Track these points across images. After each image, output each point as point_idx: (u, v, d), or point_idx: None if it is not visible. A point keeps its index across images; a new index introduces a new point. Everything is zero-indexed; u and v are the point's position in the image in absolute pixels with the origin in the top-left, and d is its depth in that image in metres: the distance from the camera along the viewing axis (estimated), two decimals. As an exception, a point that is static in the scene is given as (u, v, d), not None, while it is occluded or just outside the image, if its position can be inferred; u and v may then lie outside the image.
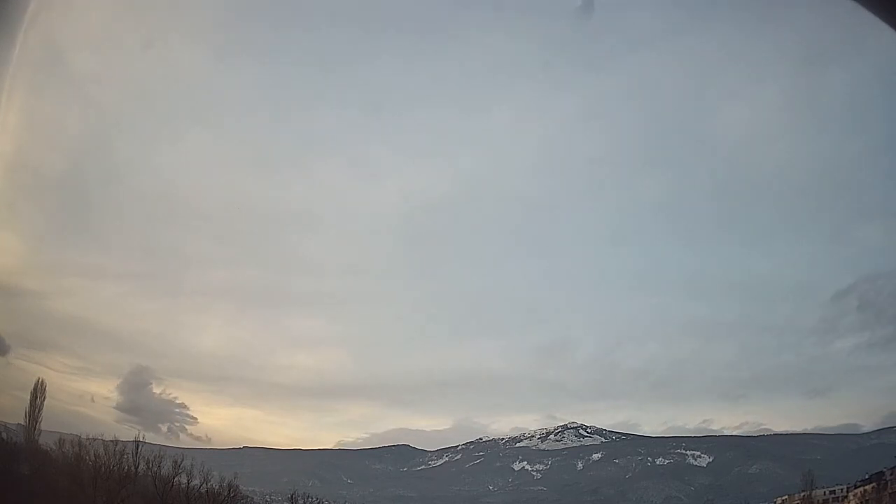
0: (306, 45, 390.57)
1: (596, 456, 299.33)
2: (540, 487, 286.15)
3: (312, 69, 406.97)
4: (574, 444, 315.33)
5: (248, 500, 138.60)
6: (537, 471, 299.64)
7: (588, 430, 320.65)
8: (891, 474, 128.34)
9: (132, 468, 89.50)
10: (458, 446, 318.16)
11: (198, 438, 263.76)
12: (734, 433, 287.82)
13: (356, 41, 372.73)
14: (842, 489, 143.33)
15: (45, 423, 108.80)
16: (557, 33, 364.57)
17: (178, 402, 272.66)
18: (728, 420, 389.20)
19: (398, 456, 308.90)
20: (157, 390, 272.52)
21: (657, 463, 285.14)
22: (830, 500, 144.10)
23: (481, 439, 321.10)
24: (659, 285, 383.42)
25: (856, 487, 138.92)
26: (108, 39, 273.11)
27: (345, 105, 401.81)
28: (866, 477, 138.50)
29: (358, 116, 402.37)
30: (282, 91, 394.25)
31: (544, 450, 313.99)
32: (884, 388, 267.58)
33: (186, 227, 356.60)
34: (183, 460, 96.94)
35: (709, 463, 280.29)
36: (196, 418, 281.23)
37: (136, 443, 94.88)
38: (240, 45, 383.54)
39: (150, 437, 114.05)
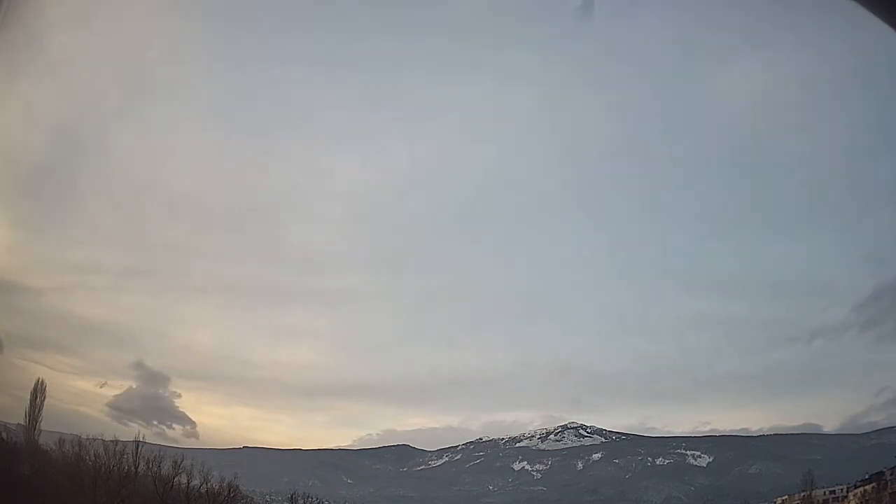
0: (302, 28, 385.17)
1: (596, 456, 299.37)
2: (540, 487, 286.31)
3: (311, 54, 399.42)
4: (574, 444, 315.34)
5: (248, 500, 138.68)
6: (537, 471, 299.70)
7: (588, 430, 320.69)
8: (891, 474, 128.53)
9: (132, 468, 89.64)
10: (458, 446, 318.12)
11: (198, 438, 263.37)
12: (734, 433, 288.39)
13: (356, 36, 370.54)
14: (842, 489, 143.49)
15: (45, 423, 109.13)
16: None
17: (177, 401, 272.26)
18: (730, 419, 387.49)
19: (398, 456, 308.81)
20: (156, 389, 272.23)
21: (657, 463, 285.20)
22: (830, 500, 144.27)
23: (481, 439, 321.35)
24: (660, 280, 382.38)
25: (856, 487, 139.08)
26: (100, 20, 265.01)
27: (342, 91, 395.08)
28: (866, 477, 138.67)
29: (356, 103, 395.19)
30: (278, 76, 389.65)
31: (544, 450, 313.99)
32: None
33: (183, 218, 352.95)
34: (183, 460, 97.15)
35: (709, 463, 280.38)
36: (195, 418, 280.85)
37: (136, 443, 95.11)
38: (232, 25, 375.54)
39: (150, 437, 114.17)
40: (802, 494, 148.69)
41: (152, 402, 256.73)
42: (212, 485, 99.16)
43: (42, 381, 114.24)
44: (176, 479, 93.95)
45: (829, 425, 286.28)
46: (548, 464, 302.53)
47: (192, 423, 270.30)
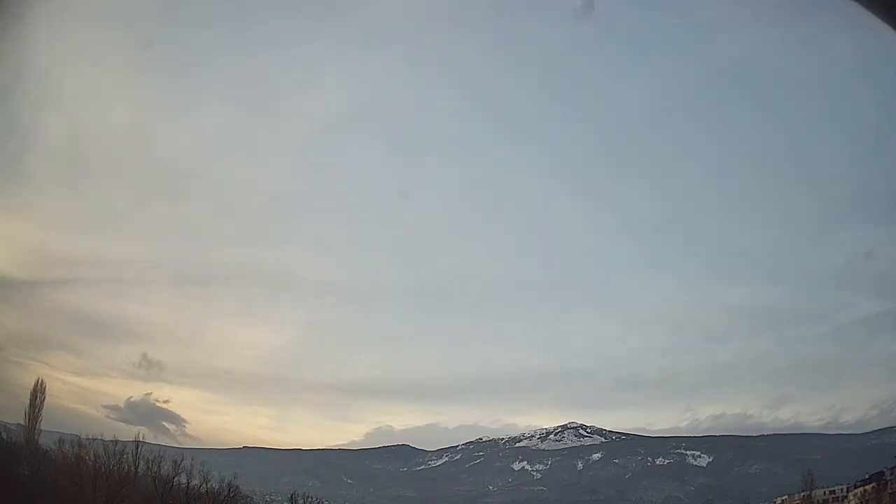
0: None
1: (596, 456, 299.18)
2: (540, 487, 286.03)
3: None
4: (574, 444, 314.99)
5: (248, 500, 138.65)
6: (537, 471, 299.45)
7: (588, 430, 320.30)
8: (891, 474, 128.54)
9: (132, 468, 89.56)
10: (458, 446, 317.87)
11: (198, 438, 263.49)
12: (734, 433, 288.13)
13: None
14: (842, 489, 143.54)
15: (45, 423, 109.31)
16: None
17: (177, 401, 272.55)
18: (729, 418, 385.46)
19: (398, 456, 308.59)
20: (157, 389, 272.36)
21: (657, 463, 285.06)
22: (830, 500, 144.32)
23: (481, 439, 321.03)
24: (661, 277, 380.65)
25: (856, 487, 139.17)
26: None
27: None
28: (866, 477, 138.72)
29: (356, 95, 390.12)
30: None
31: (544, 450, 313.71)
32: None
33: (191, 205, 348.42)
34: (183, 460, 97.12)
35: (709, 463, 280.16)
36: (196, 418, 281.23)
37: (136, 443, 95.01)
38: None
39: (150, 437, 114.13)
40: (802, 494, 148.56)
41: (155, 402, 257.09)
42: (212, 485, 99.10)
43: (42, 380, 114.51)
44: (176, 479, 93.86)
45: (848, 418, 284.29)
46: (548, 464, 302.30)
47: (195, 424, 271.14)
